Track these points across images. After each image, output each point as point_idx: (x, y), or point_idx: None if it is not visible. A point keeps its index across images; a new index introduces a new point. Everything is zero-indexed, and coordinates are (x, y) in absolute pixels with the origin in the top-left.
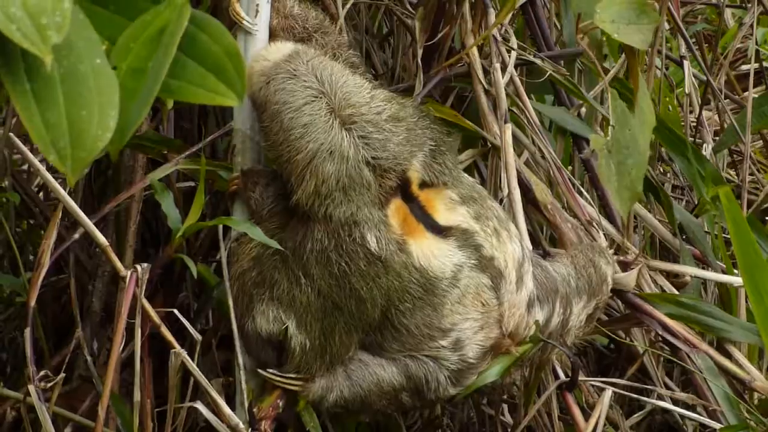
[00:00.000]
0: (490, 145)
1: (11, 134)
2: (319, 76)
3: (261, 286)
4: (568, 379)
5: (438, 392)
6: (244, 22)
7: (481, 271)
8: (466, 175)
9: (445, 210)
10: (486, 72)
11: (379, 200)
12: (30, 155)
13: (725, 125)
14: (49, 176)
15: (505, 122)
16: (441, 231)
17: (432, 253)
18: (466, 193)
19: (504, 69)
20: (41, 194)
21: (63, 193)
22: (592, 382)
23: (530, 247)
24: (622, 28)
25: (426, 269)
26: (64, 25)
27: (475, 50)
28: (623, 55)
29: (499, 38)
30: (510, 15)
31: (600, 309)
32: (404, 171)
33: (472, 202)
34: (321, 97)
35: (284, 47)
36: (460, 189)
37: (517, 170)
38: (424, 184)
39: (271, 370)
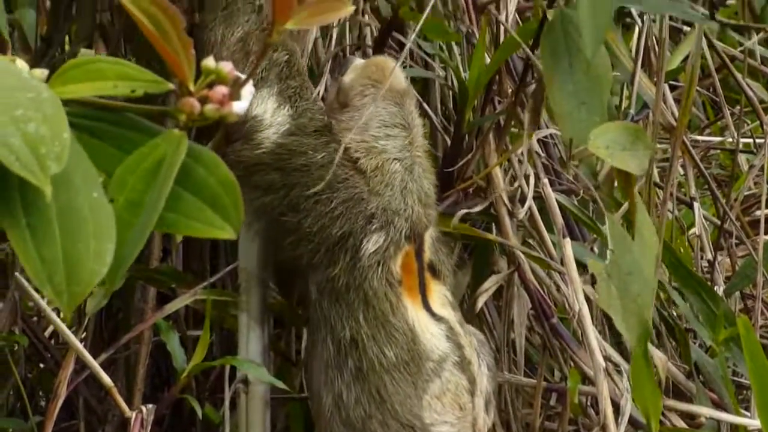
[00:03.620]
0: (512, 268)
1: (21, 278)
2: (409, 119)
3: None
4: None
5: None
6: None
7: (462, 371)
8: None
9: (439, 304)
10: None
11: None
12: (40, 300)
13: (737, 267)
14: (58, 320)
15: (564, 237)
16: (433, 315)
17: (426, 328)
18: (453, 300)
19: (523, 201)
20: (53, 340)
21: (70, 335)
22: None
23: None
24: (616, 153)
25: (419, 336)
26: (63, 155)
27: (499, 171)
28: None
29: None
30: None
31: None
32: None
33: (456, 310)
34: (408, 130)
35: (402, 79)
36: (450, 294)
37: (539, 297)
38: (430, 265)
39: None
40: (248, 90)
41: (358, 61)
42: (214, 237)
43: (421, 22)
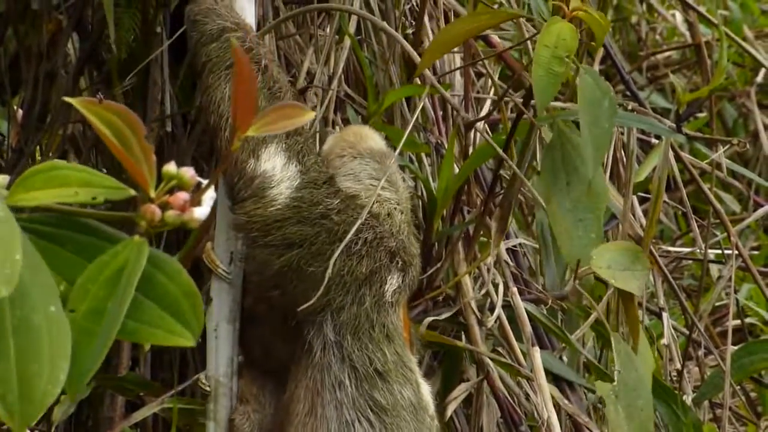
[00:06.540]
0: (481, 376)
1: None
2: (392, 178)
3: None
4: None
5: None
6: (219, 270)
7: None
8: None
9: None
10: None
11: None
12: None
13: (705, 377)
14: None
15: (533, 345)
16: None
17: (423, 382)
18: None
19: (492, 309)
20: None
21: None
22: None
23: None
24: (617, 273)
25: (421, 386)
26: (13, 278)
27: (468, 280)
28: (603, 299)
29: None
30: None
31: None
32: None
33: None
34: (395, 187)
35: (381, 142)
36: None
37: (508, 405)
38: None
39: None
40: (209, 195)
41: (336, 133)
42: (175, 345)
43: (402, 140)
